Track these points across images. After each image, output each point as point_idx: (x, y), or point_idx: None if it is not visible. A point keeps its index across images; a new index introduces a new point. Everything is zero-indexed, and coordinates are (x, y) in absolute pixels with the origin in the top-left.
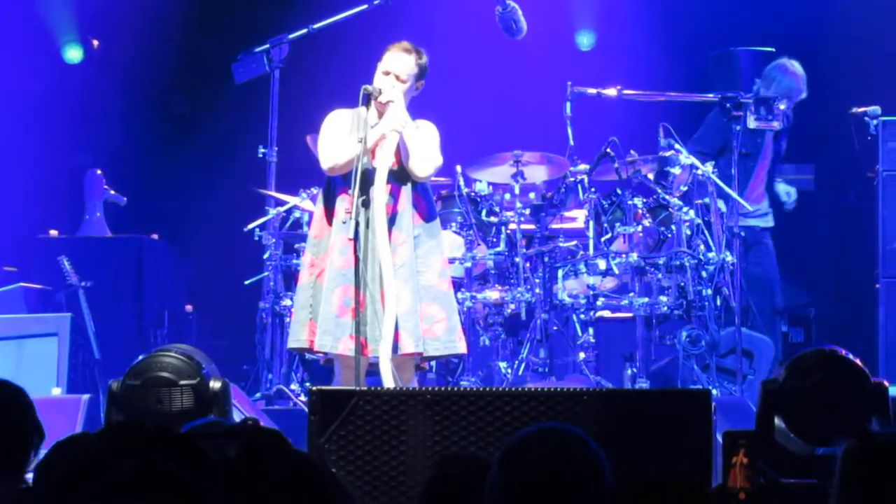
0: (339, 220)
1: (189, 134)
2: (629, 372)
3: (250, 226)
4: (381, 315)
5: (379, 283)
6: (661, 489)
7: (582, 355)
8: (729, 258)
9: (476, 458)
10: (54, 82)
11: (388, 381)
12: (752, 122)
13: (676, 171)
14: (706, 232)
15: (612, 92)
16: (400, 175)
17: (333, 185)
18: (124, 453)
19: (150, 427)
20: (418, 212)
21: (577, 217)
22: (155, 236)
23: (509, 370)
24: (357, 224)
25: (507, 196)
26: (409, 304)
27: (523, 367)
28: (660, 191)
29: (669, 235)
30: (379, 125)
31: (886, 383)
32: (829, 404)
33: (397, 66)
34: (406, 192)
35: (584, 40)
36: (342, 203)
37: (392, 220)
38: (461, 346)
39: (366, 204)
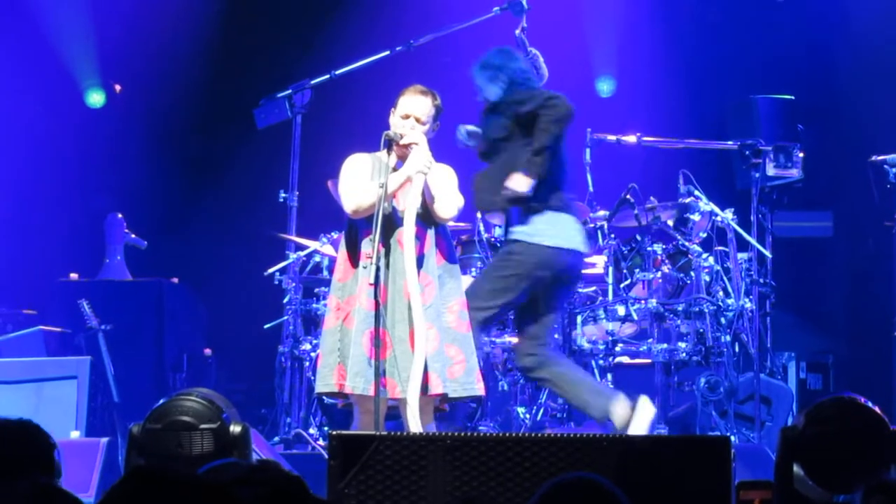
0: (363, 263)
1: (210, 178)
2: None
3: (270, 270)
4: (410, 356)
5: (407, 325)
6: None
7: None
8: (748, 305)
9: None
10: (76, 126)
11: (414, 423)
12: (771, 170)
13: (696, 217)
14: (725, 278)
15: (631, 139)
16: (425, 216)
17: (356, 229)
18: (149, 499)
19: (176, 472)
20: (440, 253)
21: (597, 263)
22: (175, 280)
23: (528, 415)
24: (378, 268)
25: None
26: (438, 345)
27: (542, 412)
28: (679, 237)
29: (688, 282)
30: (404, 167)
31: None
32: (848, 452)
33: (416, 108)
34: (430, 233)
35: (604, 87)
36: (366, 246)
37: (419, 262)
38: (479, 388)
39: (387, 247)
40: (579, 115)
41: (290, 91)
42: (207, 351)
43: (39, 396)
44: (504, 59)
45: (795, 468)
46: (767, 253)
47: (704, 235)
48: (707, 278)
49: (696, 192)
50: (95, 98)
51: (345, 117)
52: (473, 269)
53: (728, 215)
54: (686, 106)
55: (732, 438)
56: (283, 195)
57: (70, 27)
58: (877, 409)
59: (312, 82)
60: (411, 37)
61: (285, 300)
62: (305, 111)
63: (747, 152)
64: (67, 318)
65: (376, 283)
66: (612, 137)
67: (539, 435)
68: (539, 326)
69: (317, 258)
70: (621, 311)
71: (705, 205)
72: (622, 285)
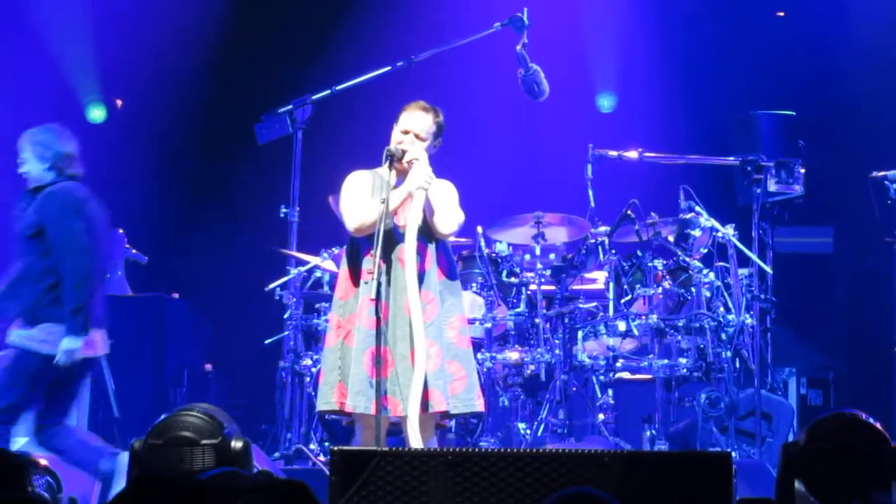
0: (364, 280)
1: (211, 193)
2: (648, 434)
3: (271, 285)
4: (412, 373)
5: (408, 342)
6: None
7: (601, 417)
8: (749, 321)
9: None
10: (77, 141)
11: (415, 440)
12: (772, 186)
13: (696, 233)
14: (726, 294)
15: (632, 154)
16: (426, 233)
17: (357, 246)
18: None
19: (181, 480)
20: (441, 269)
21: (598, 278)
22: (176, 295)
23: (528, 431)
24: (379, 284)
25: (528, 257)
26: (440, 362)
27: (542, 428)
28: (680, 253)
29: (689, 297)
30: (405, 183)
31: None
32: (849, 468)
33: (416, 124)
34: (432, 249)
35: (605, 103)
36: (367, 264)
37: (420, 279)
38: (479, 405)
39: (388, 264)
40: (581, 131)
41: (290, 106)
42: (208, 366)
43: None
44: (52, 139)
45: (797, 484)
46: (768, 269)
47: (705, 251)
48: (708, 294)
49: (697, 208)
50: (96, 113)
51: (346, 132)
52: (474, 285)
53: (729, 231)
54: (687, 121)
55: (733, 454)
56: (283, 210)
57: (71, 42)
58: (878, 425)
59: (313, 97)
60: (412, 52)
61: (286, 315)
62: (306, 126)
63: (748, 168)
64: None
65: (377, 299)
66: (613, 153)
67: (540, 451)
68: None
69: (317, 273)
70: (622, 326)
71: (706, 220)
72: (623, 301)
